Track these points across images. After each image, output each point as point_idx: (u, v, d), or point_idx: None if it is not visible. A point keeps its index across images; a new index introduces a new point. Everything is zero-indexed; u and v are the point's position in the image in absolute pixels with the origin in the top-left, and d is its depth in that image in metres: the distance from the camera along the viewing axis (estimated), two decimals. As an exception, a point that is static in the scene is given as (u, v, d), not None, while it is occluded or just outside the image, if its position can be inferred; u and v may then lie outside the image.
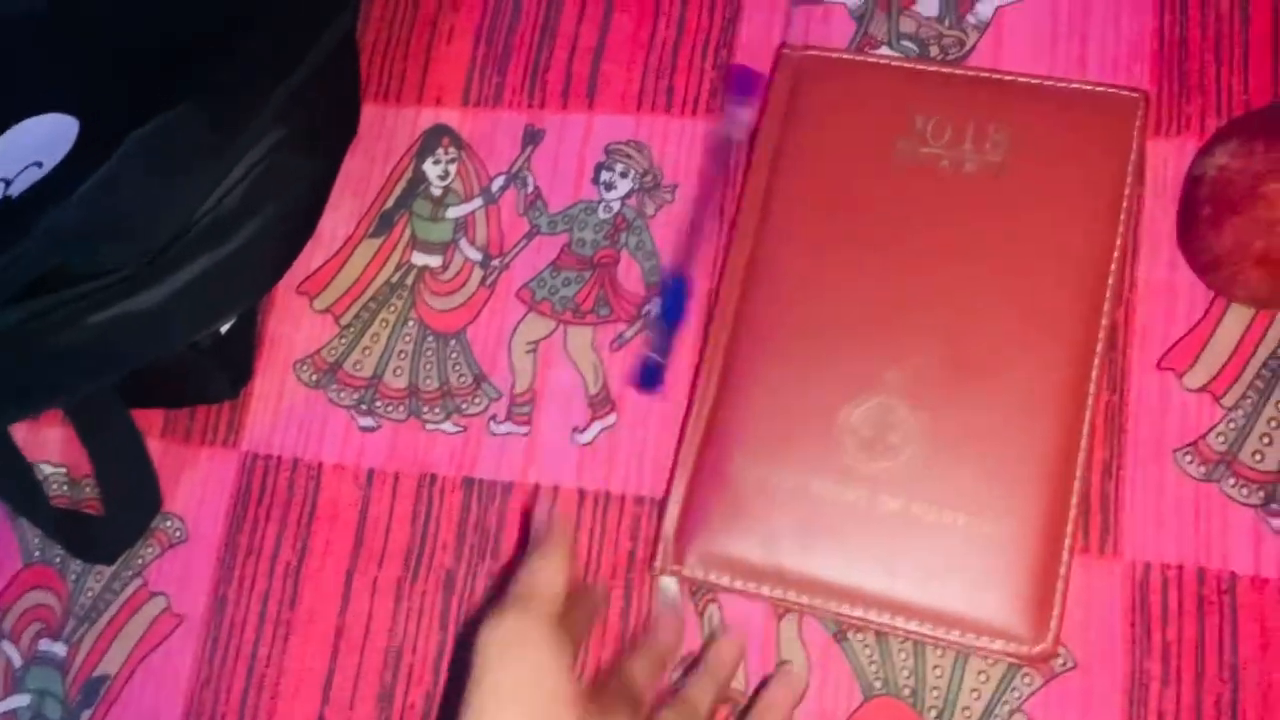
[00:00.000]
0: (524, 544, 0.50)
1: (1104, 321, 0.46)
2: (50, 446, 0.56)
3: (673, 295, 0.51)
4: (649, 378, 0.51)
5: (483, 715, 0.37)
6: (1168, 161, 0.49)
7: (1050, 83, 0.49)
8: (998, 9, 0.53)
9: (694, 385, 0.49)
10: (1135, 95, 0.48)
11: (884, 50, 0.53)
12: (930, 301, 0.47)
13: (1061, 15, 0.52)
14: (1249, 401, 0.46)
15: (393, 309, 0.55)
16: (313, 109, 0.52)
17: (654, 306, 0.51)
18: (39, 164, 0.54)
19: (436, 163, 0.56)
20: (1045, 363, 0.46)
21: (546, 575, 0.42)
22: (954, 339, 0.46)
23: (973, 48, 0.52)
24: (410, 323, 0.54)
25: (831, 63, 0.51)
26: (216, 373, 0.53)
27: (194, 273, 0.49)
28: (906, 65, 0.51)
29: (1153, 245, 0.48)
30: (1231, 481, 0.45)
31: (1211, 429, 0.46)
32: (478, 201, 0.55)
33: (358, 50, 0.56)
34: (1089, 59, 0.51)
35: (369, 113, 0.57)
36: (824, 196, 0.49)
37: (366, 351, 0.54)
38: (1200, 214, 0.44)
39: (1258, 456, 0.45)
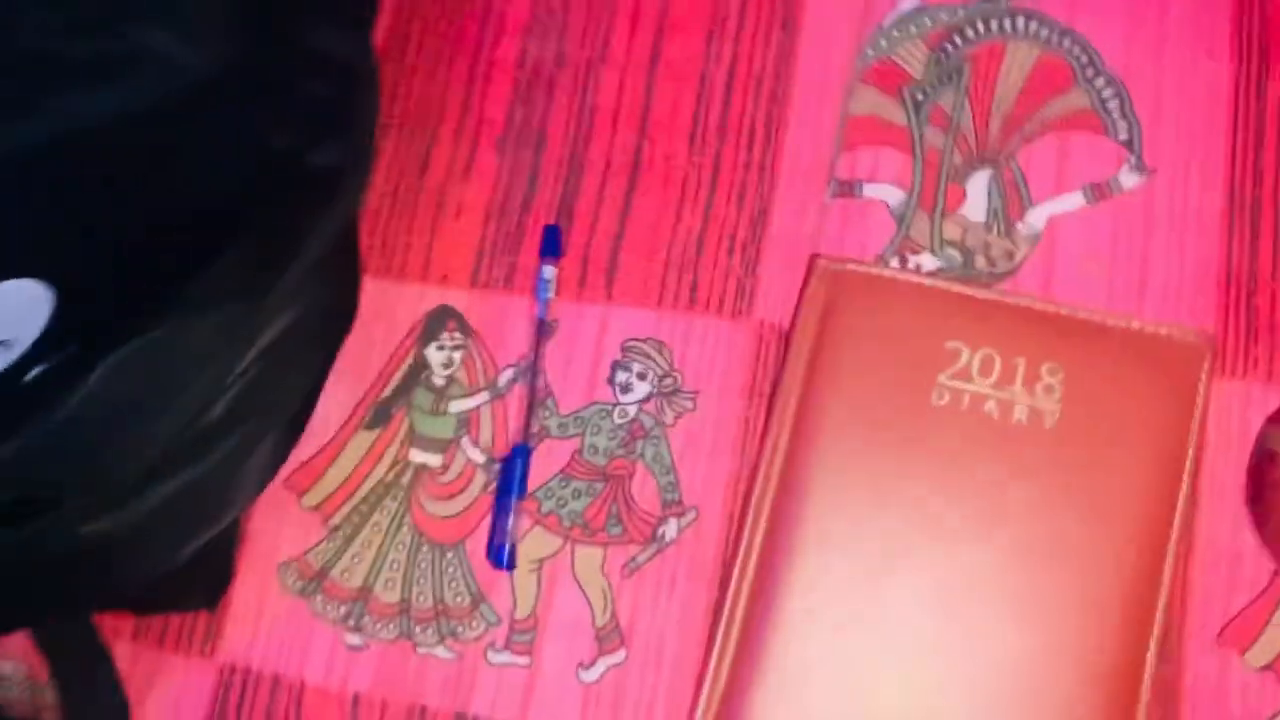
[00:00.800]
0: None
1: (1163, 589, 0.42)
2: (10, 641, 0.52)
3: (515, 466, 0.48)
4: (499, 552, 0.47)
5: None
6: (1231, 409, 0.45)
7: (1110, 320, 0.45)
8: (1050, 218, 0.49)
9: (711, 634, 0.45)
10: (1202, 341, 0.44)
11: (925, 256, 0.49)
12: (956, 567, 0.42)
13: (1121, 234, 0.48)
14: (1316, 687, 0.43)
15: (386, 511, 0.50)
16: (312, 302, 0.48)
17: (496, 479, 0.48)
18: (5, 343, 0.50)
19: (440, 348, 0.52)
20: (1096, 635, 0.42)
21: None
22: (973, 605, 0.42)
23: (1023, 261, 0.48)
24: (405, 528, 0.50)
25: (870, 280, 0.47)
26: (195, 579, 0.49)
27: (174, 488, 0.45)
28: (953, 288, 0.46)
29: (1214, 505, 0.44)
30: (1293, 777, 0.42)
31: (1277, 714, 0.43)
32: (484, 395, 0.51)
33: (357, 229, 0.52)
34: (1149, 284, 0.47)
35: (368, 288, 0.53)
36: (862, 430, 0.45)
37: (357, 559, 0.50)
38: (1275, 496, 0.40)
39: (1324, 751, 0.42)
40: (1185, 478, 0.42)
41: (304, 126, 0.48)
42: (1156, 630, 0.41)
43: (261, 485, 0.49)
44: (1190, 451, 0.43)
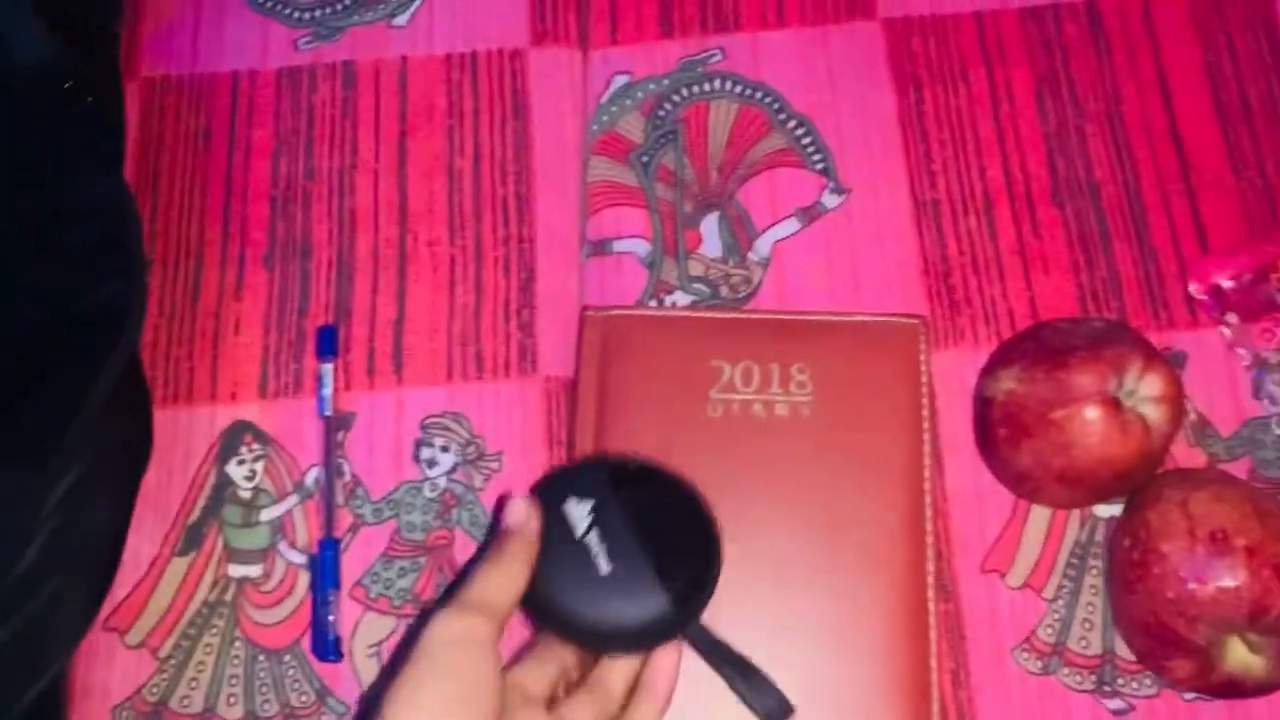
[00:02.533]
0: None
1: (929, 537, 0.48)
2: None
3: (324, 560, 0.49)
4: (322, 646, 0.48)
5: (403, 707, 0.36)
6: (951, 373, 0.52)
7: (838, 318, 0.51)
8: (774, 244, 0.55)
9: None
10: (915, 321, 0.51)
11: (678, 294, 0.54)
12: (762, 553, 0.47)
13: (834, 246, 0.55)
14: (1066, 592, 0.49)
15: (215, 631, 0.50)
16: (106, 443, 0.47)
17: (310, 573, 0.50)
18: None
19: (241, 463, 0.52)
20: (884, 588, 0.47)
21: (501, 585, 0.40)
22: (787, 586, 0.47)
23: (759, 284, 0.54)
24: (237, 643, 0.49)
25: (636, 321, 0.51)
26: (22, 743, 0.47)
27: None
28: (706, 315, 0.52)
29: (954, 456, 0.51)
30: (1065, 671, 0.48)
31: (1040, 622, 0.49)
32: (293, 499, 0.51)
33: (140, 364, 0.52)
34: (863, 284, 0.54)
35: (161, 417, 0.52)
36: (655, 453, 0.48)
37: (194, 684, 0.49)
38: (997, 434, 0.47)
39: (1084, 643, 0.48)
40: (925, 437, 0.49)
41: (78, 271, 0.48)
42: (931, 573, 0.47)
43: (80, 633, 0.48)
44: (925, 415, 0.49)
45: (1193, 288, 0.52)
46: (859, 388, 0.49)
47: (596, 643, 0.43)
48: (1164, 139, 0.55)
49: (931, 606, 0.47)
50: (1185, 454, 0.50)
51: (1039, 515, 0.50)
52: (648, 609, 0.42)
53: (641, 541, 0.42)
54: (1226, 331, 0.51)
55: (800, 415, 0.49)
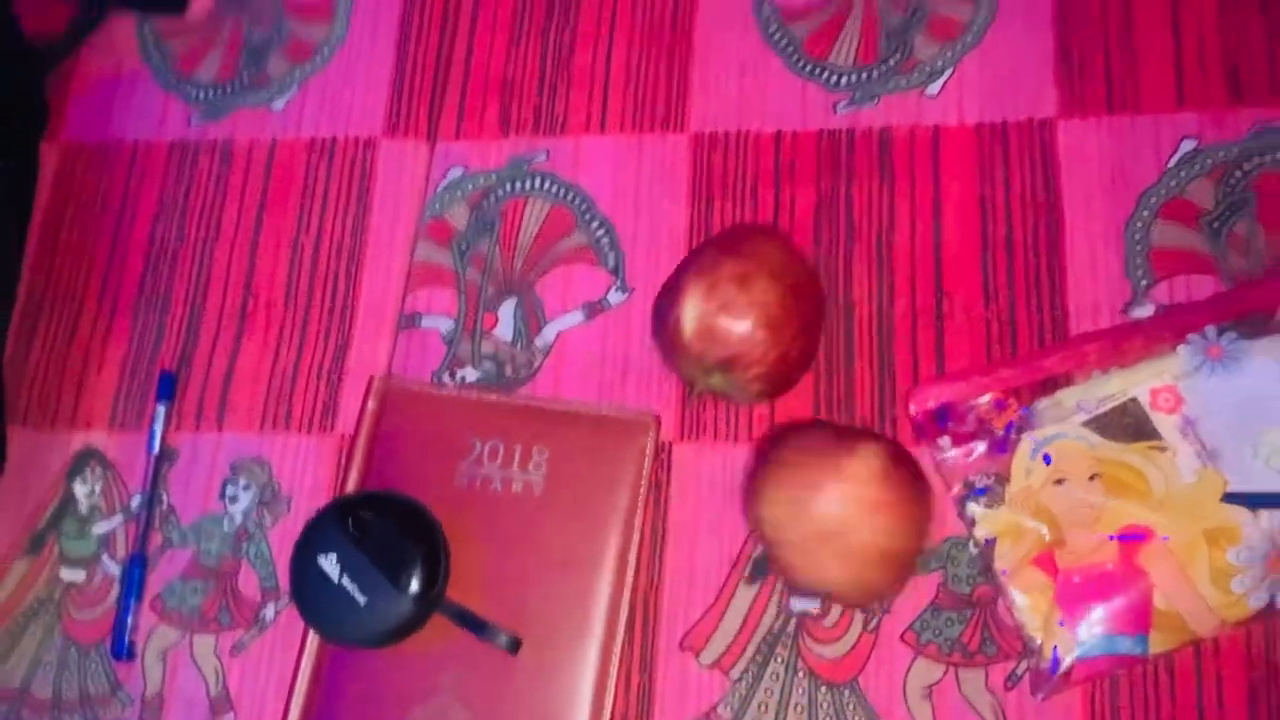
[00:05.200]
0: None
1: (624, 613, 0.53)
2: None
3: (131, 573, 0.57)
4: (119, 646, 0.57)
5: None
6: (689, 462, 0.57)
7: (583, 409, 0.57)
8: (559, 334, 0.61)
9: (292, 688, 0.55)
10: (648, 417, 0.56)
11: (469, 370, 0.61)
12: (487, 615, 0.53)
13: (610, 339, 0.60)
14: (749, 674, 0.54)
15: (40, 622, 0.59)
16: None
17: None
18: None
19: (84, 483, 0.61)
20: (581, 656, 0.52)
21: None
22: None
23: (539, 368, 0.60)
24: (56, 635, 0.58)
25: (411, 393, 0.58)
26: None
27: None
28: (472, 396, 0.58)
29: (680, 535, 0.56)
30: (735, 746, 0.53)
31: (721, 699, 0.54)
32: (119, 518, 0.60)
33: (2, 390, 0.61)
34: (629, 376, 0.59)
35: (26, 438, 0.62)
36: (407, 510, 0.56)
37: (15, 667, 0.58)
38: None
39: (754, 723, 0.53)
40: (637, 523, 0.54)
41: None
42: (616, 653, 0.53)
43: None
44: (641, 502, 0.54)
45: (911, 408, 0.56)
46: (588, 473, 0.55)
47: (388, 642, 0.53)
48: (926, 265, 0.59)
49: (611, 679, 0.52)
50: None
51: (742, 599, 0.55)
52: (399, 613, 0.52)
53: (380, 566, 0.52)
54: (938, 454, 0.55)
55: (532, 493, 0.55)
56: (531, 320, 0.61)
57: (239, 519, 0.59)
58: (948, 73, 0.62)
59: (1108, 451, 0.52)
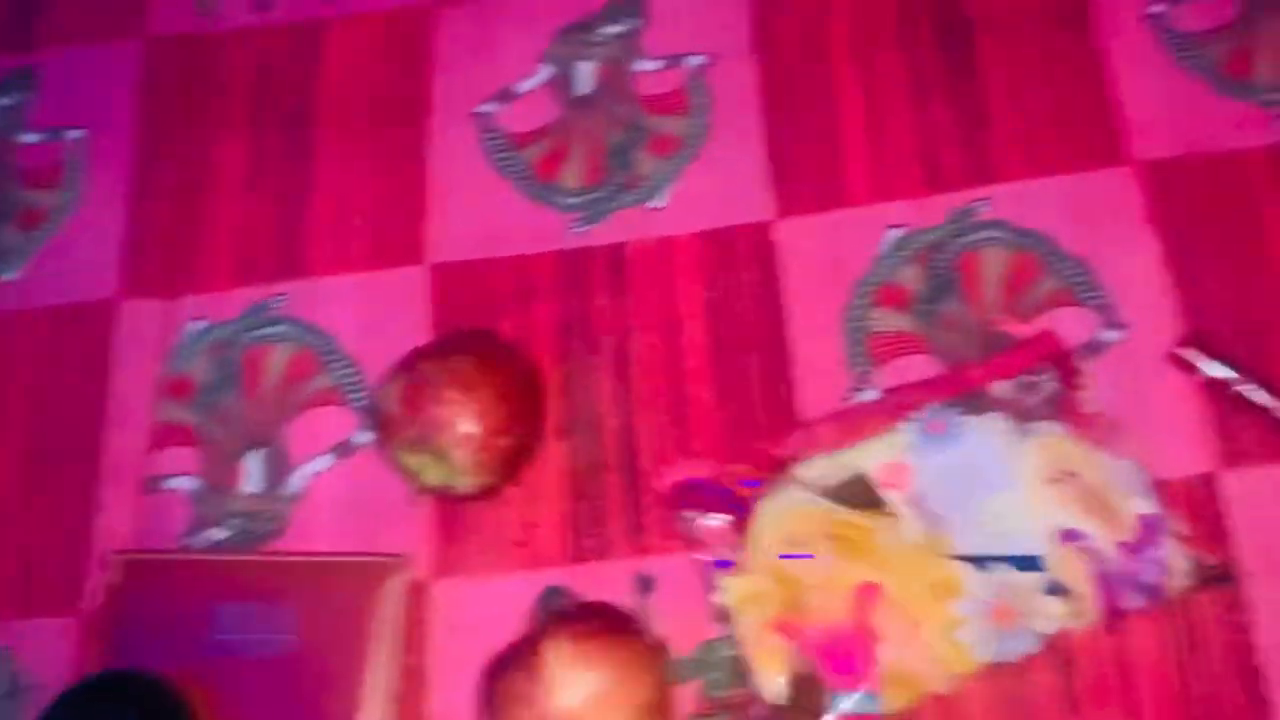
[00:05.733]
0: None
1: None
2: None
3: None
4: None
5: None
6: (449, 599, 0.56)
7: (331, 559, 0.56)
8: (309, 480, 0.60)
9: None
10: (395, 560, 0.56)
11: (215, 530, 0.59)
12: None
13: (361, 480, 0.59)
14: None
15: None
16: None
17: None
18: None
19: None
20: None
21: None
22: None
23: (290, 520, 0.59)
24: None
25: (152, 563, 0.57)
26: None
27: None
28: (218, 557, 0.57)
29: (443, 677, 0.54)
30: None
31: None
32: None
33: None
34: (385, 518, 0.58)
35: None
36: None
37: None
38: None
39: None
40: (393, 669, 0.53)
41: None
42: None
43: None
44: (395, 649, 0.54)
45: (658, 483, 0.56)
46: (339, 624, 0.54)
47: None
48: (666, 370, 0.60)
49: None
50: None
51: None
52: None
53: None
54: (685, 526, 0.55)
55: (284, 654, 0.54)
56: (280, 469, 0.60)
57: (-19, 717, 0.56)
58: (670, 186, 0.65)
59: (840, 515, 0.54)
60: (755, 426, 0.58)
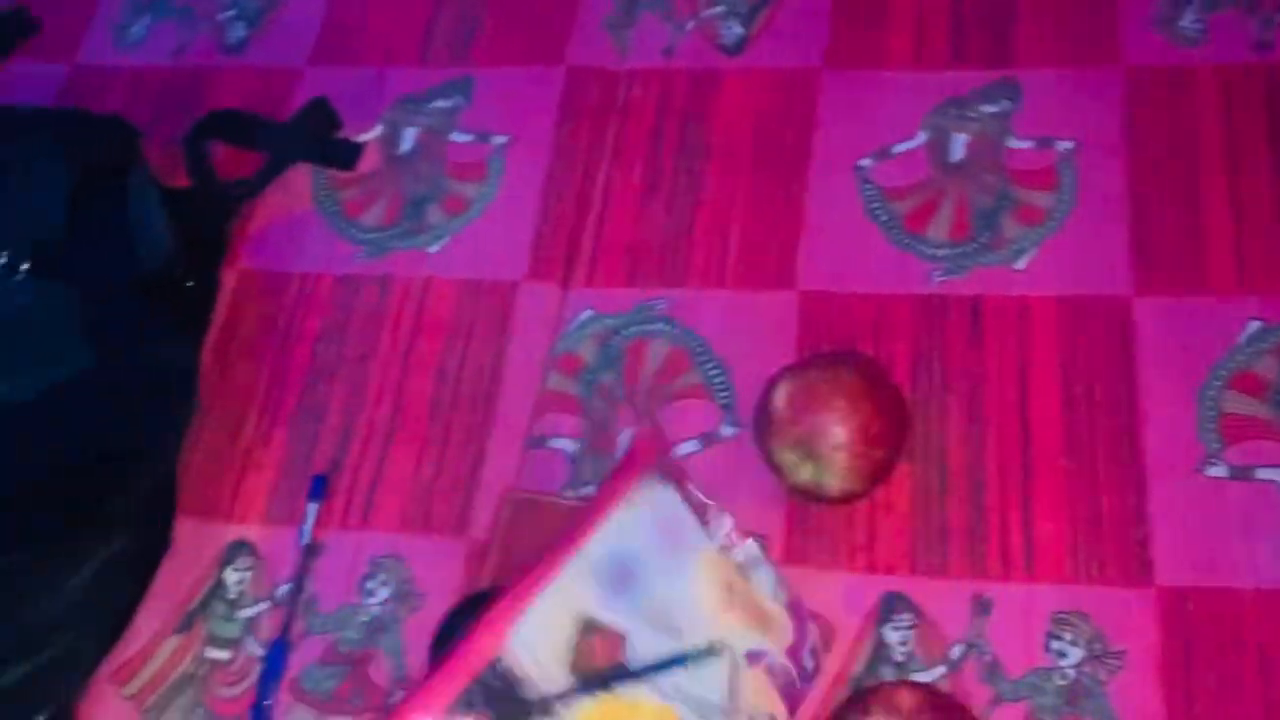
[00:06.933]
0: None
1: None
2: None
3: (274, 655, 0.62)
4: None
5: None
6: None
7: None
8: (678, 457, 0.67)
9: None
10: (756, 537, 0.61)
11: (589, 488, 0.66)
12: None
13: (718, 470, 0.66)
14: None
15: (187, 696, 0.63)
16: (131, 540, 0.62)
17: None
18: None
19: (235, 570, 0.66)
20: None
21: None
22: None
23: (655, 490, 0.66)
24: (200, 709, 0.63)
25: (540, 504, 0.64)
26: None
27: (15, 676, 0.58)
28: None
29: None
30: None
31: None
32: (265, 604, 0.65)
33: (175, 479, 0.68)
34: (741, 505, 0.65)
35: (185, 525, 0.68)
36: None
37: (162, 736, 0.63)
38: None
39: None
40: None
41: (138, 415, 0.65)
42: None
43: (85, 680, 0.62)
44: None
45: None
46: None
47: None
48: (1012, 419, 0.64)
49: None
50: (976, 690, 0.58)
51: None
52: None
53: None
54: None
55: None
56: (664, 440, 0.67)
57: (376, 611, 0.64)
58: (1032, 251, 0.69)
59: None
60: (1097, 482, 0.62)
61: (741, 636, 0.54)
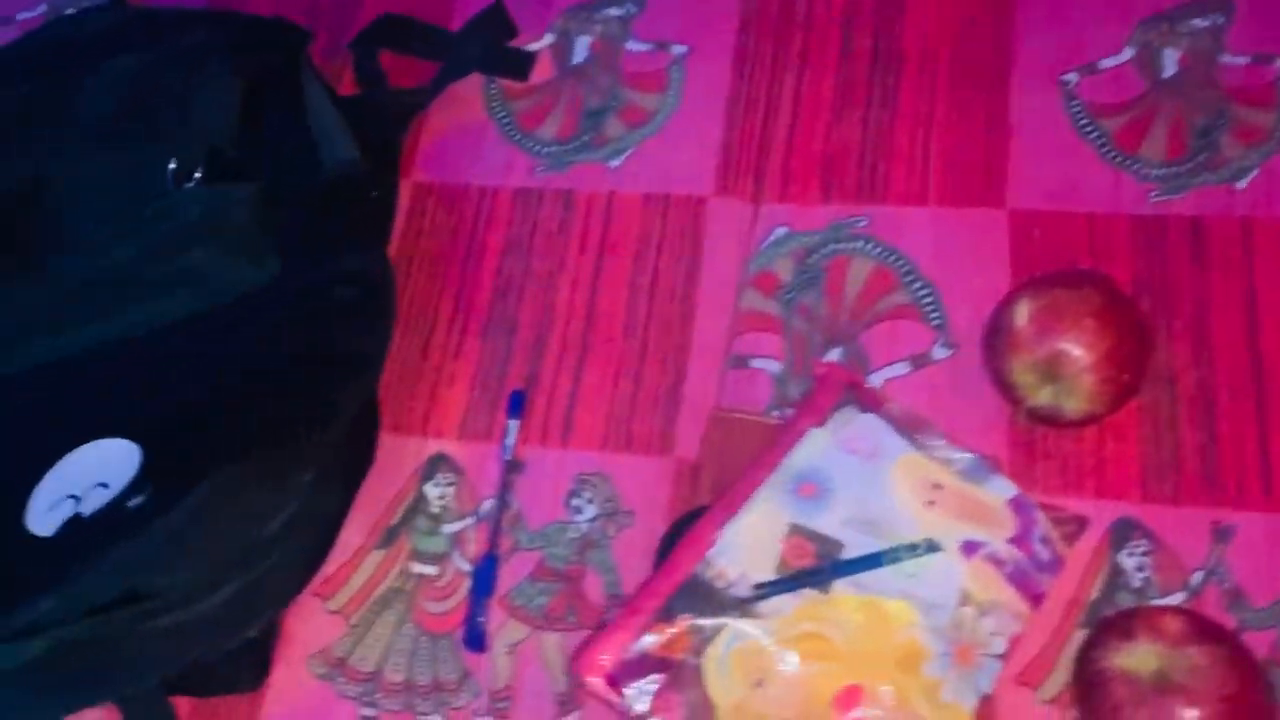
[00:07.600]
0: None
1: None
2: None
3: (485, 571, 0.61)
4: (473, 638, 0.60)
5: None
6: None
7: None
8: (884, 381, 0.65)
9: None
10: (991, 459, 0.60)
11: (790, 410, 0.65)
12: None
13: (933, 392, 0.64)
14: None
15: (394, 610, 0.62)
16: (340, 454, 0.61)
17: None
18: (105, 484, 0.62)
19: (436, 485, 0.65)
20: None
21: None
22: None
23: (867, 412, 0.64)
24: (408, 624, 0.62)
25: (751, 424, 0.63)
26: (242, 668, 0.60)
27: (232, 591, 0.57)
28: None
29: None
30: None
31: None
32: (469, 520, 0.64)
33: (377, 398, 0.66)
34: (960, 428, 0.63)
35: (383, 440, 0.66)
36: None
37: (371, 649, 0.62)
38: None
39: None
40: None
41: (337, 323, 0.63)
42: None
43: (294, 593, 0.61)
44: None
45: (590, 680, 0.55)
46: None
47: None
48: (1244, 346, 0.62)
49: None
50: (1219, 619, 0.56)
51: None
52: None
53: None
54: (625, 706, 0.54)
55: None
56: (856, 370, 0.65)
57: (584, 529, 0.63)
58: (1255, 171, 0.66)
59: (781, 632, 0.54)
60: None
61: (951, 530, 0.55)
